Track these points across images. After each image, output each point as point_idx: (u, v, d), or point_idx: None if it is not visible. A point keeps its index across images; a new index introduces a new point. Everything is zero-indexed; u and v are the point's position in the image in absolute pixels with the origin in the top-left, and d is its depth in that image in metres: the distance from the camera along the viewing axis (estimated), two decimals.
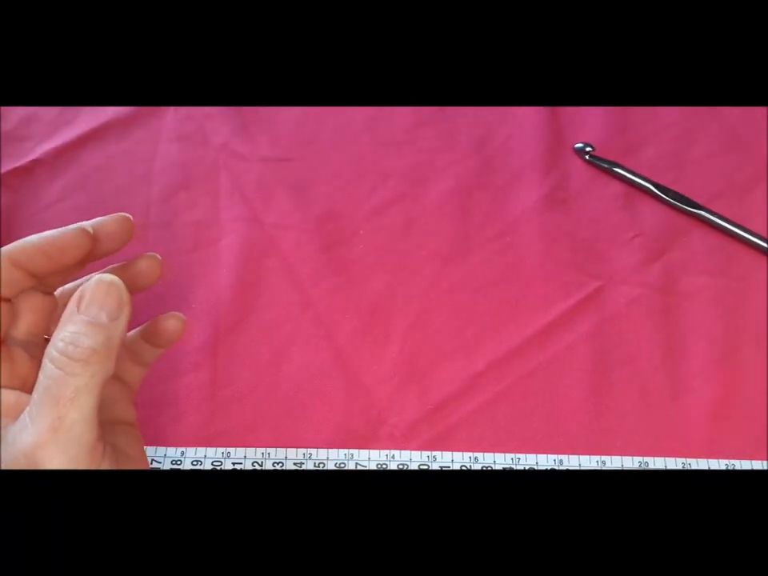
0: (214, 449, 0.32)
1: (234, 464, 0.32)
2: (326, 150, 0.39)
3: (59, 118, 0.40)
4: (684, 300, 0.35)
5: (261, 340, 0.34)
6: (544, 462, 0.31)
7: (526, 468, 0.31)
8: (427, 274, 0.36)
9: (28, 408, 0.20)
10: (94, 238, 0.24)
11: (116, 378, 0.25)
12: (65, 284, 0.25)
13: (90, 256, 0.24)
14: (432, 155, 0.39)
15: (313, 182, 0.38)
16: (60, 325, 0.21)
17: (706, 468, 0.31)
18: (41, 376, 0.20)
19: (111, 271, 0.24)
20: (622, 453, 0.32)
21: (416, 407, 0.33)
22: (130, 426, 0.25)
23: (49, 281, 0.24)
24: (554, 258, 0.36)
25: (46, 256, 0.23)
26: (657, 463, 0.31)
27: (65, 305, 0.24)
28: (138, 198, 0.38)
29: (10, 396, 0.22)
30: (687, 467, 0.31)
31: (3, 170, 0.38)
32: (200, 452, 0.32)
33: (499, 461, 0.31)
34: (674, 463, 0.31)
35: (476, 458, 0.31)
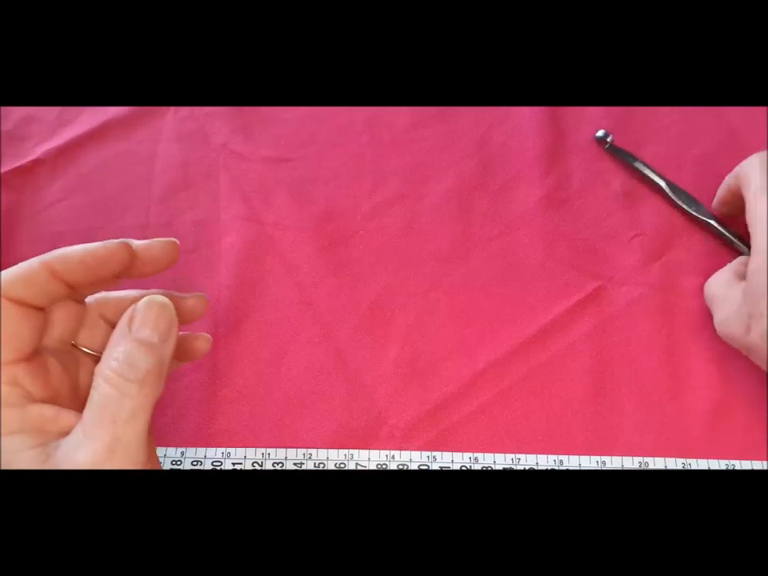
0: (214, 449, 0.32)
1: (233, 464, 0.32)
2: (325, 150, 0.39)
3: (59, 118, 0.40)
4: (684, 300, 0.35)
5: (261, 340, 0.34)
6: (544, 462, 0.31)
7: (526, 468, 0.31)
8: (427, 274, 0.36)
9: (80, 425, 0.21)
10: (133, 253, 0.24)
11: None
12: (95, 293, 0.25)
13: (130, 274, 0.24)
14: (432, 155, 0.39)
15: (313, 182, 0.38)
16: (111, 343, 0.21)
17: (705, 468, 0.31)
18: (94, 394, 0.21)
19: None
20: (622, 453, 0.32)
21: (416, 407, 0.33)
22: (151, 436, 0.25)
23: (81, 289, 0.24)
24: (554, 257, 0.36)
25: (85, 267, 0.22)
26: (657, 463, 0.31)
27: (99, 315, 0.24)
28: (138, 198, 0.38)
29: (47, 411, 0.22)
30: (687, 467, 0.31)
31: (3, 170, 0.38)
32: (200, 452, 0.32)
33: (499, 461, 0.31)
34: (673, 463, 0.31)
35: (476, 459, 0.31)
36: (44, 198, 0.38)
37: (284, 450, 0.32)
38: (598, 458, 0.32)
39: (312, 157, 0.39)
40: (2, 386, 0.21)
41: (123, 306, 0.23)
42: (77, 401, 0.24)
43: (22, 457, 0.20)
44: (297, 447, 0.32)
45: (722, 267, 0.34)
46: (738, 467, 0.31)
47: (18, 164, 0.38)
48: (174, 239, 0.25)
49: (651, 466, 0.31)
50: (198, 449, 0.32)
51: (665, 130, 0.40)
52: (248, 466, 0.31)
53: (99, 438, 0.20)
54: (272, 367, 0.34)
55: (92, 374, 0.22)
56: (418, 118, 0.40)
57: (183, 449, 0.32)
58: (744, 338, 0.29)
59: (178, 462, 0.32)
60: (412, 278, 0.36)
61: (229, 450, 0.32)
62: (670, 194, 0.37)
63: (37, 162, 0.39)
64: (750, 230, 0.30)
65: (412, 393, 0.33)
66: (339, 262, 0.36)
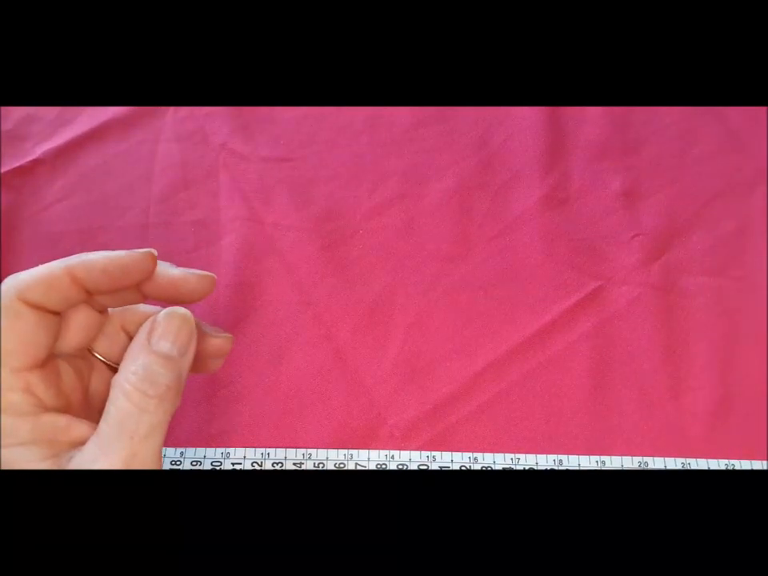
0: (214, 449, 0.32)
1: (233, 464, 0.32)
2: (325, 150, 0.39)
3: (59, 118, 0.40)
4: (684, 300, 0.35)
5: (261, 340, 0.34)
6: (544, 462, 0.31)
7: (526, 468, 0.31)
8: (427, 274, 0.36)
9: (96, 438, 0.20)
10: (155, 261, 0.23)
11: None
12: (116, 305, 0.24)
13: (161, 297, 0.24)
14: (432, 155, 0.39)
15: (313, 182, 0.38)
16: (129, 355, 0.21)
17: (705, 468, 0.31)
18: (111, 408, 0.20)
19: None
20: (622, 453, 0.32)
21: (416, 407, 0.33)
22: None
23: (100, 298, 0.23)
24: (554, 257, 0.36)
25: (107, 275, 0.22)
26: (657, 463, 0.31)
27: (120, 326, 0.24)
28: (138, 198, 0.38)
29: (60, 420, 0.21)
30: (687, 467, 0.31)
31: (3, 170, 0.38)
32: (199, 452, 0.32)
33: (499, 461, 0.31)
34: (673, 463, 0.31)
35: (476, 458, 0.31)
36: (44, 197, 0.38)
37: (284, 449, 0.32)
38: (597, 457, 0.32)
39: (312, 157, 0.39)
40: (16, 393, 0.20)
41: (146, 319, 0.23)
42: (88, 409, 0.23)
43: (34, 468, 0.20)
44: (296, 447, 0.32)
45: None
46: (737, 467, 0.31)
47: (17, 164, 0.38)
48: (212, 274, 0.25)
49: (651, 466, 0.31)
50: (198, 449, 0.32)
51: (665, 130, 0.40)
52: (247, 466, 0.31)
53: (116, 453, 0.20)
54: (272, 367, 0.34)
55: (105, 382, 0.22)
56: (418, 118, 0.40)
57: (183, 449, 0.32)
58: None
59: (178, 462, 0.32)
60: (412, 278, 0.36)
61: (228, 450, 0.32)
62: None
63: (37, 162, 0.39)
64: None
65: (412, 393, 0.33)
66: (339, 262, 0.36)
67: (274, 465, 0.31)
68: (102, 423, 0.20)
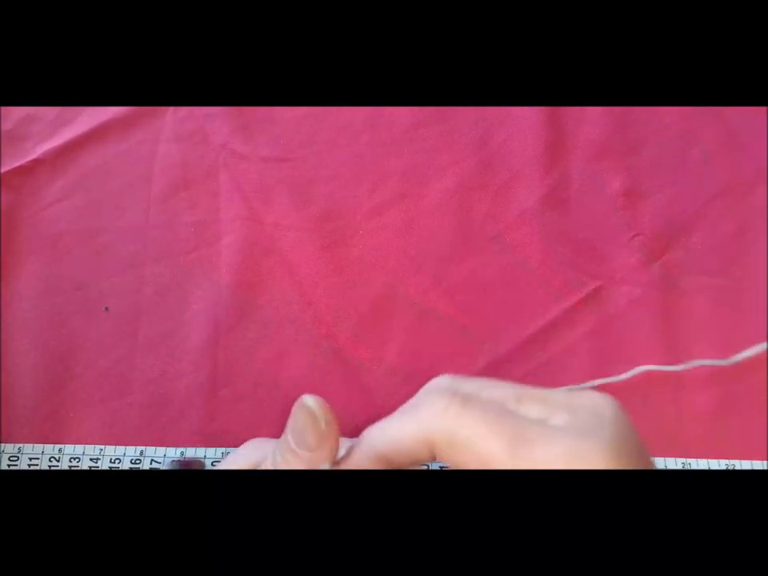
0: (214, 449, 0.32)
1: None
2: (326, 150, 0.39)
3: (59, 118, 0.40)
4: (684, 300, 0.35)
5: (261, 340, 0.34)
6: None
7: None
8: (427, 274, 0.36)
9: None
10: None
11: None
12: None
13: None
14: (432, 155, 0.39)
15: (313, 182, 0.38)
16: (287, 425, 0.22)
17: (705, 468, 0.31)
18: (275, 453, 0.22)
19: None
20: None
21: None
22: None
23: None
24: (554, 258, 0.36)
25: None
26: (657, 463, 0.31)
27: None
28: (137, 198, 0.38)
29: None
30: (687, 467, 0.31)
31: (3, 170, 0.38)
32: (200, 452, 0.32)
33: None
34: (674, 463, 0.31)
35: None
36: (44, 197, 0.38)
37: None
38: None
39: (312, 157, 0.39)
40: None
41: None
42: None
43: None
44: None
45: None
46: (737, 467, 0.31)
47: (18, 164, 0.38)
48: None
49: None
50: (198, 449, 0.32)
51: (665, 130, 0.40)
52: None
53: None
54: (272, 367, 0.34)
55: None
56: (418, 118, 0.40)
57: (183, 449, 0.32)
58: None
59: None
60: (412, 278, 0.36)
61: (229, 449, 0.32)
62: None
63: (37, 162, 0.39)
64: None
65: (412, 393, 0.33)
66: (339, 262, 0.36)
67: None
68: (270, 457, 0.23)
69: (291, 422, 0.22)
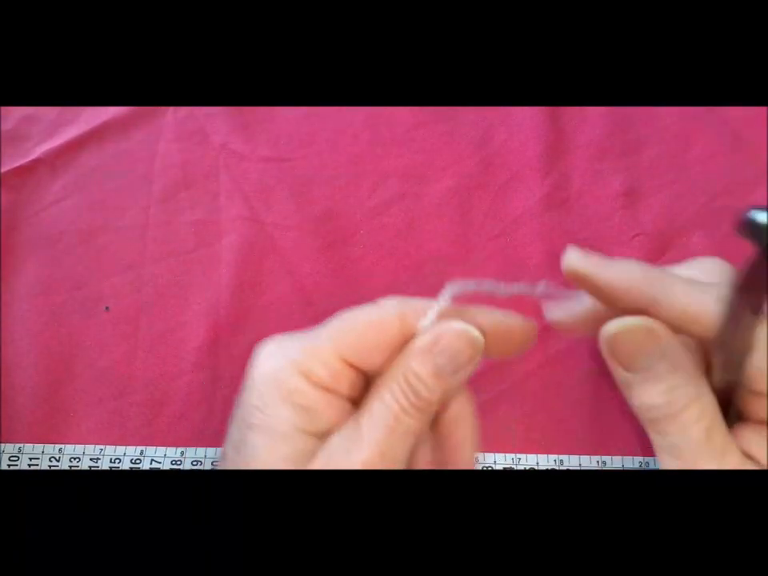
0: (214, 449, 0.32)
1: None
2: (325, 150, 0.39)
3: (59, 118, 0.40)
4: None
5: (261, 340, 0.34)
6: (544, 461, 0.31)
7: (526, 468, 0.31)
8: (427, 274, 0.36)
9: (351, 430, 0.21)
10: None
11: None
12: None
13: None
14: (432, 155, 0.39)
15: (313, 182, 0.38)
16: (405, 357, 0.21)
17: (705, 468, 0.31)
18: (376, 401, 0.21)
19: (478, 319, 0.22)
20: (622, 453, 0.32)
21: None
22: None
23: None
24: (554, 257, 0.36)
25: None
26: (657, 463, 0.31)
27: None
28: (137, 198, 0.38)
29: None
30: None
31: (3, 170, 0.38)
32: (200, 452, 0.32)
33: (499, 461, 0.31)
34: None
35: (476, 458, 0.31)
36: (44, 197, 0.38)
37: None
38: (598, 457, 0.32)
39: (312, 157, 0.39)
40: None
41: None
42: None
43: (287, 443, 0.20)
44: None
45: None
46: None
47: (18, 164, 0.38)
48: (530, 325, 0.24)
49: (651, 466, 0.31)
50: (198, 449, 0.32)
51: (665, 130, 0.40)
52: None
53: (374, 445, 0.20)
54: None
55: None
56: (418, 118, 0.40)
57: (183, 449, 0.32)
58: None
59: (178, 462, 0.32)
60: (412, 278, 0.36)
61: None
62: None
63: (37, 162, 0.39)
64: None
65: None
66: (339, 262, 0.36)
67: None
68: (362, 417, 0.21)
69: (446, 345, 0.21)
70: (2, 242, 0.36)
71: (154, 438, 0.32)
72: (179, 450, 0.32)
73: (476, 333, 0.21)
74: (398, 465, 0.20)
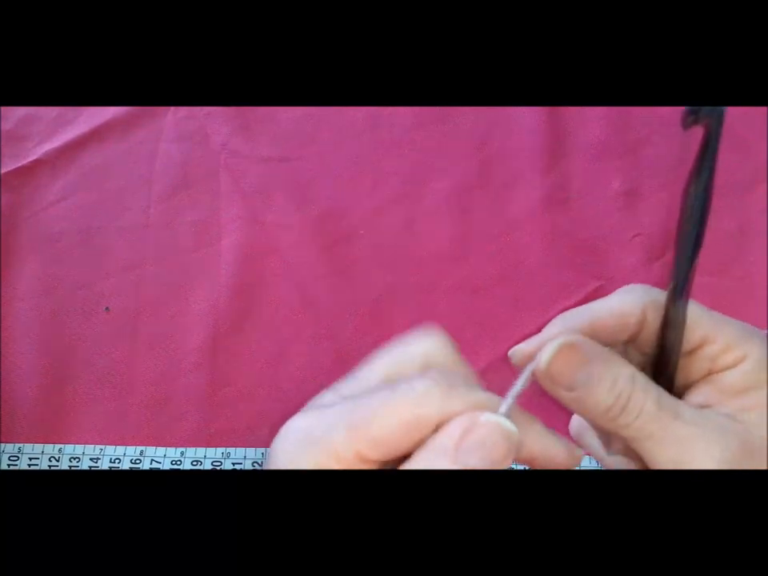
0: (214, 449, 0.32)
1: (233, 464, 0.32)
2: (325, 150, 0.39)
3: (59, 118, 0.40)
4: None
5: (261, 340, 0.34)
6: None
7: (526, 468, 0.31)
8: (427, 274, 0.36)
9: None
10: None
11: None
12: None
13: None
14: (432, 155, 0.39)
15: (313, 182, 0.38)
16: (429, 450, 0.18)
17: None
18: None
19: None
20: None
21: None
22: None
23: None
24: (554, 257, 0.36)
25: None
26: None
27: None
28: (138, 198, 0.38)
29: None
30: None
31: (3, 170, 0.38)
32: (200, 452, 0.32)
33: None
34: None
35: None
36: (44, 197, 0.38)
37: None
38: None
39: (312, 157, 0.39)
40: None
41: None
42: None
43: None
44: None
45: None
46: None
47: (18, 164, 0.38)
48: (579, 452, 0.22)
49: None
50: (198, 449, 0.32)
51: (665, 130, 0.40)
52: (248, 466, 0.31)
53: None
54: (272, 367, 0.34)
55: None
56: (419, 118, 0.40)
57: (183, 449, 0.32)
58: None
59: (178, 462, 0.32)
60: (412, 278, 0.36)
61: (229, 449, 0.32)
62: None
63: (37, 162, 0.39)
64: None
65: None
66: (339, 262, 0.36)
67: None
68: None
69: (477, 439, 0.18)
70: (1, 242, 0.36)
71: (154, 438, 0.32)
72: (179, 450, 0.32)
73: (507, 423, 0.18)
74: None
